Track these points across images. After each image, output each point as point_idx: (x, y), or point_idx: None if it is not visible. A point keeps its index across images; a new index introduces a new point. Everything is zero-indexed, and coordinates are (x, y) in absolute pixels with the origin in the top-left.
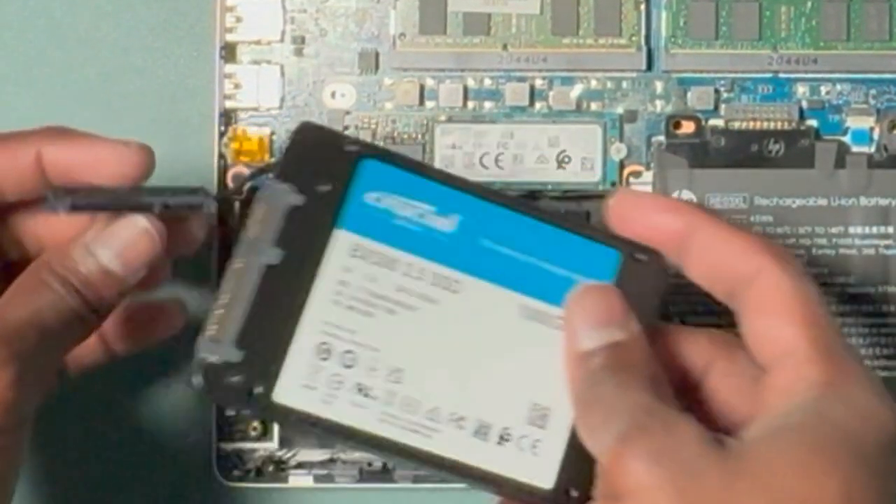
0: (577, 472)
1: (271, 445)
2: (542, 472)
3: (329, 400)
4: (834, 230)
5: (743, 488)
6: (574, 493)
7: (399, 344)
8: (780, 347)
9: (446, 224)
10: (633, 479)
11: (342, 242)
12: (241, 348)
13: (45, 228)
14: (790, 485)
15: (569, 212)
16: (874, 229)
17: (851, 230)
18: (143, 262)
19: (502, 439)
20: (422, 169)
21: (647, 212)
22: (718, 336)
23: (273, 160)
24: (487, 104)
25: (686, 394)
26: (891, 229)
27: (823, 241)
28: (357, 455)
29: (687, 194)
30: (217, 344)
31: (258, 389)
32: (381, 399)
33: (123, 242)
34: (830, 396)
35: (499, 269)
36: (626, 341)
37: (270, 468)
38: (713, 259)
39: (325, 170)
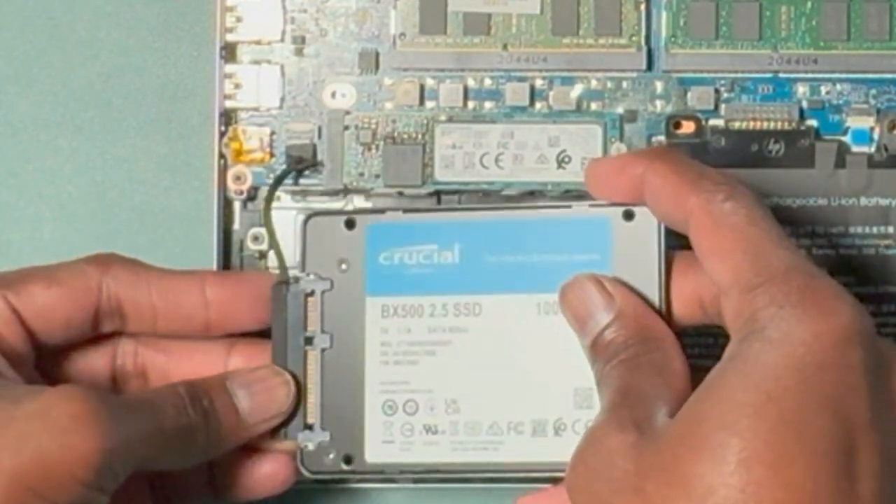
0: None
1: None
2: None
3: (407, 447)
4: (834, 230)
5: (653, 488)
6: None
7: (447, 378)
8: (721, 287)
9: (450, 256)
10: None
11: (373, 307)
12: (326, 429)
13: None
14: (689, 473)
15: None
16: (874, 229)
17: (851, 230)
18: (273, 423)
19: (558, 430)
20: (415, 212)
21: (612, 171)
22: None
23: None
24: (487, 104)
25: (715, 316)
26: (891, 229)
27: (823, 241)
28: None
29: None
30: (310, 432)
31: (353, 458)
32: (448, 431)
33: (266, 400)
34: (753, 335)
35: (507, 278)
36: (609, 323)
37: None
38: (658, 204)
39: (341, 249)
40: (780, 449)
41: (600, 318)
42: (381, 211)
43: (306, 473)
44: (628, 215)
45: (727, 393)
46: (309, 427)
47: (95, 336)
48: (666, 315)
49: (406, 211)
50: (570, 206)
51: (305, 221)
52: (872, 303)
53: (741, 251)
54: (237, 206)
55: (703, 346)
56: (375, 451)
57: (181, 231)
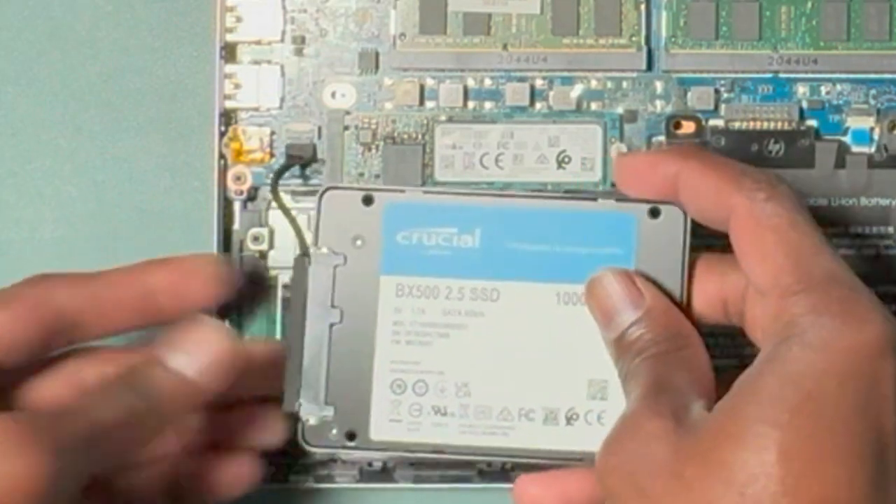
0: None
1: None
2: None
3: (414, 427)
4: (834, 230)
5: (692, 473)
6: None
7: (459, 361)
8: (759, 288)
9: (470, 240)
10: (608, 489)
11: (387, 286)
12: (330, 404)
13: None
14: (730, 460)
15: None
16: (874, 229)
17: (851, 230)
18: (221, 370)
19: (570, 419)
20: (436, 193)
21: (644, 167)
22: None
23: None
24: (487, 104)
25: (735, 317)
26: (891, 229)
27: None
28: (357, 455)
29: None
30: (313, 406)
31: (356, 434)
32: (457, 414)
33: (202, 349)
34: (793, 339)
35: (528, 267)
36: (638, 320)
37: (271, 468)
38: (697, 202)
39: (357, 225)
40: (819, 446)
41: (629, 314)
42: (401, 190)
43: (307, 448)
44: (654, 213)
45: (768, 390)
46: (311, 403)
47: (57, 355)
48: (688, 313)
49: (427, 191)
50: (595, 200)
51: (322, 194)
52: None
53: (783, 255)
54: (237, 206)
55: (722, 346)
56: (381, 429)
57: (181, 231)
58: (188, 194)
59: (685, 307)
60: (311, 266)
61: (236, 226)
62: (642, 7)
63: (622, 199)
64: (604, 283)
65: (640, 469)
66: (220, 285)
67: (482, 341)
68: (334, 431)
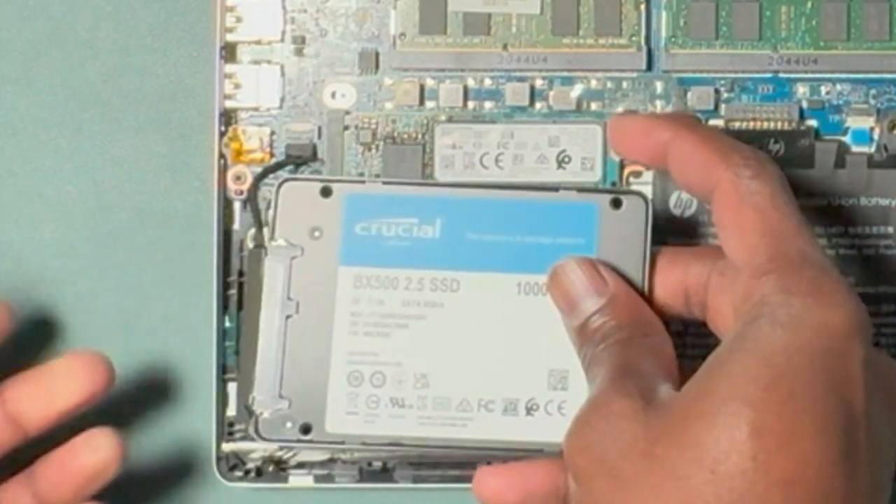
0: None
1: (271, 445)
2: None
3: (371, 419)
4: (834, 230)
5: (662, 452)
6: None
7: (418, 353)
8: (733, 263)
9: (431, 230)
10: (576, 470)
11: (346, 277)
12: (285, 397)
13: None
14: (702, 439)
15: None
16: (874, 229)
17: (851, 230)
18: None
19: (530, 410)
20: (396, 184)
21: (636, 131)
22: (707, 251)
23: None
24: (487, 104)
25: (696, 308)
26: (891, 229)
27: (824, 241)
28: (357, 455)
29: (688, 195)
30: (266, 399)
31: (311, 427)
32: (415, 405)
33: None
34: (763, 318)
35: (489, 257)
36: (602, 307)
37: (270, 468)
38: (684, 172)
39: (315, 217)
40: (790, 422)
41: (592, 301)
42: (361, 181)
43: (260, 441)
44: (616, 203)
45: (739, 368)
46: (265, 396)
47: None
48: (650, 303)
49: (386, 182)
50: (557, 191)
51: (279, 186)
52: (872, 303)
53: (760, 233)
54: (237, 206)
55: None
56: (337, 422)
57: (181, 231)
58: (188, 194)
59: (647, 297)
60: (267, 258)
61: (236, 226)
62: (642, 7)
63: (584, 189)
64: (567, 270)
65: (609, 449)
66: (93, 387)
67: (442, 332)
68: (289, 425)
